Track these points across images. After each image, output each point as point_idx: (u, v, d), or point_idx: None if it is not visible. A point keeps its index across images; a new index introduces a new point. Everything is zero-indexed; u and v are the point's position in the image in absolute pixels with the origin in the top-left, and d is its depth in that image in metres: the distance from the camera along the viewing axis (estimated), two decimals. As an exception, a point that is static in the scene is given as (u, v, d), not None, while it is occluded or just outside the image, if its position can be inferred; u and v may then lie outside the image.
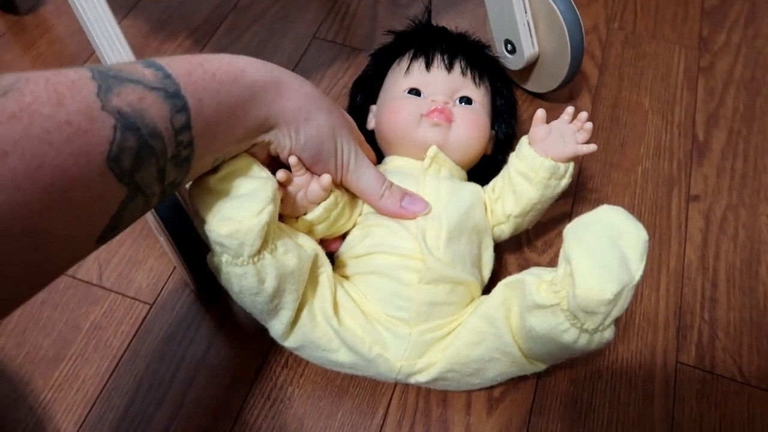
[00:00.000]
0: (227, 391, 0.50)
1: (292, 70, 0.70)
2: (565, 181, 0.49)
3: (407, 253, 0.46)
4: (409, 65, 0.55)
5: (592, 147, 0.49)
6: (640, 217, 0.62)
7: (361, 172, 0.46)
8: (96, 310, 0.54)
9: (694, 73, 0.75)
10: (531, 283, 0.40)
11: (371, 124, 0.57)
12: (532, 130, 0.50)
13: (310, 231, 0.47)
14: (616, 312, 0.37)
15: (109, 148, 0.28)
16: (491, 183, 0.52)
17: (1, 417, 0.48)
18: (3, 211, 0.24)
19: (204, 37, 0.74)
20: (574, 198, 0.63)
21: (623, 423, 0.50)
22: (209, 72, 0.34)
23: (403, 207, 0.47)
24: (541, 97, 0.71)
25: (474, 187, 0.52)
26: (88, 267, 0.56)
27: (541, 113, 0.49)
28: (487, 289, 0.48)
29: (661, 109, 0.71)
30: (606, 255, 0.36)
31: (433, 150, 0.50)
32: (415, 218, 0.47)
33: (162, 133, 0.31)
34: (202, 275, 0.48)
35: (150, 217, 0.47)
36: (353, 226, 0.50)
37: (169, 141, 0.32)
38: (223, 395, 0.50)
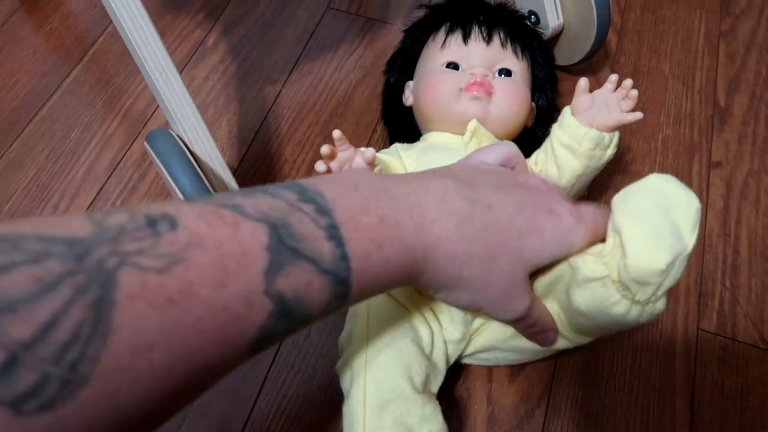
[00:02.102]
0: (233, 402, 0.50)
1: (307, 42, 0.71)
2: (610, 152, 0.48)
3: None
4: (446, 39, 0.54)
5: (638, 115, 0.47)
6: (660, 185, 0.61)
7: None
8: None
9: (715, 37, 0.74)
10: (576, 260, 0.38)
11: (409, 100, 0.56)
12: (575, 99, 0.48)
13: None
14: (669, 282, 0.35)
15: (258, 334, 0.25)
16: (533, 156, 0.52)
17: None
18: (134, 400, 0.21)
19: (218, 8, 0.74)
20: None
21: (644, 389, 0.50)
22: (385, 258, 0.29)
23: None
24: (561, 67, 0.70)
25: None
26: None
27: (584, 82, 0.48)
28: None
29: (682, 75, 0.70)
30: (657, 224, 0.34)
31: (473, 124, 0.49)
32: None
33: (313, 317, 0.28)
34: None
35: (177, 193, 0.47)
36: None
37: (312, 321, 0.28)
38: (228, 408, 0.50)
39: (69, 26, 0.72)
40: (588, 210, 0.36)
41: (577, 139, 0.47)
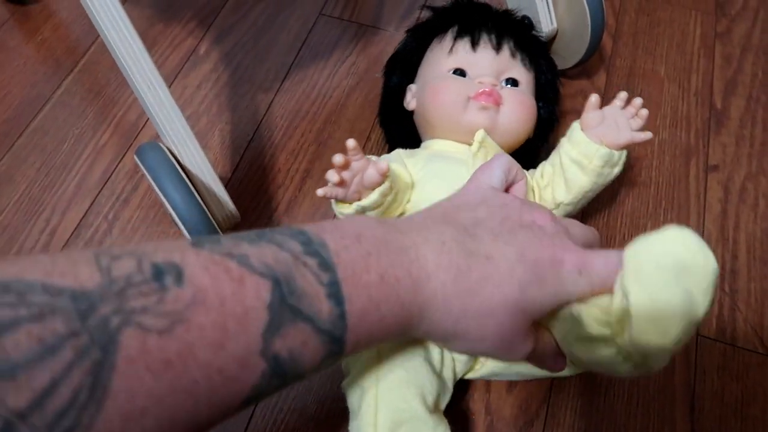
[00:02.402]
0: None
1: (299, 49, 0.70)
2: (617, 169, 0.48)
3: None
4: (454, 44, 0.53)
5: (648, 135, 0.47)
6: (656, 190, 0.61)
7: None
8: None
9: (710, 39, 0.73)
10: (581, 310, 0.35)
11: (411, 104, 0.55)
12: (585, 115, 0.48)
13: (360, 213, 0.45)
14: (676, 349, 0.32)
15: (249, 394, 0.25)
16: (539, 168, 0.51)
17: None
18: None
19: (209, 16, 0.73)
20: (590, 171, 0.62)
21: (644, 397, 0.50)
22: (381, 315, 0.29)
23: None
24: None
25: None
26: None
27: (594, 98, 0.48)
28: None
29: (678, 78, 0.70)
30: (669, 296, 0.31)
31: (481, 134, 0.48)
32: None
33: (305, 374, 0.27)
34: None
35: (168, 207, 0.47)
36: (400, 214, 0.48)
37: (304, 377, 0.28)
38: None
39: (60, 36, 0.71)
40: (595, 260, 0.33)
41: (588, 156, 0.47)
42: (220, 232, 0.47)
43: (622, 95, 0.48)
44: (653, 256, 0.32)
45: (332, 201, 0.46)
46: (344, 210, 0.45)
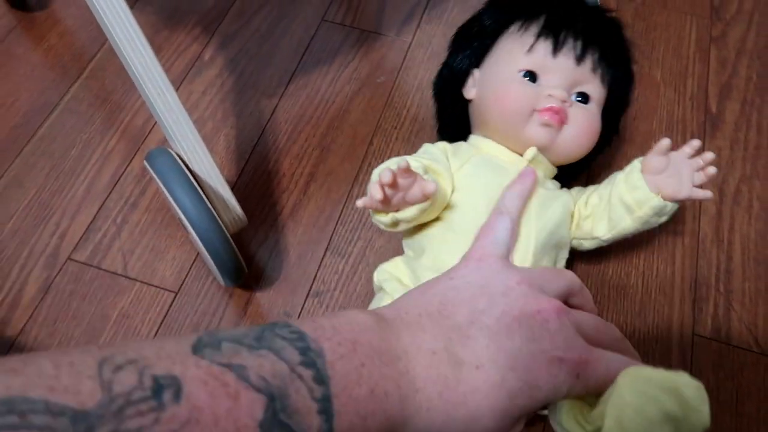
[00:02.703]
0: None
1: (303, 55, 0.71)
2: (664, 218, 0.46)
3: None
4: (535, 42, 0.48)
5: (708, 194, 0.45)
6: (654, 192, 0.62)
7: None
8: (123, 300, 0.55)
9: (706, 43, 0.75)
10: (564, 403, 0.35)
11: (471, 93, 0.51)
12: (650, 158, 0.45)
13: (394, 224, 0.44)
14: None
15: None
16: (585, 194, 0.49)
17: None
18: None
19: (213, 22, 0.74)
20: (587, 174, 0.63)
21: (641, 395, 0.51)
22: (367, 427, 0.29)
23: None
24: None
25: (564, 197, 0.48)
26: (113, 257, 0.57)
27: (666, 143, 0.45)
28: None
29: (673, 82, 0.71)
30: None
31: (532, 152, 0.47)
32: None
33: None
34: (228, 270, 0.49)
35: (177, 211, 0.48)
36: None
37: None
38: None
39: (66, 43, 0.72)
40: (597, 365, 0.32)
41: (640, 203, 0.45)
42: (228, 236, 0.48)
43: (695, 143, 0.46)
44: (642, 398, 0.30)
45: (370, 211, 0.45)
46: (379, 218, 0.44)
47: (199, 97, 0.68)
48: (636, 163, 0.46)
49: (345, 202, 0.60)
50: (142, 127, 0.66)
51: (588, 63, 0.48)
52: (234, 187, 0.61)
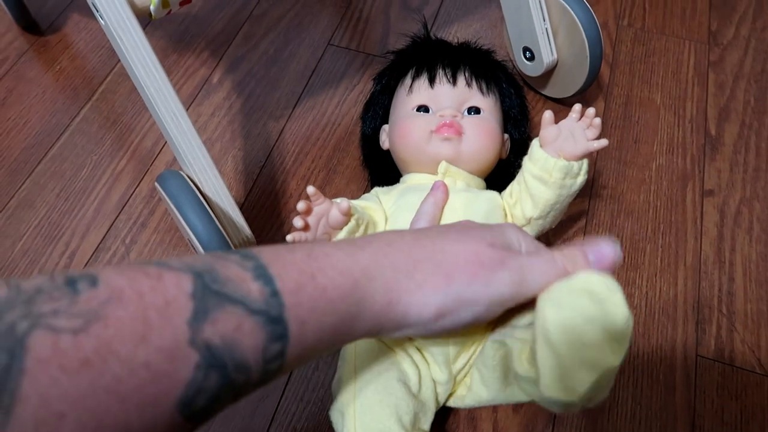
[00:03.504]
0: (260, 394, 0.51)
1: (309, 78, 0.73)
2: (580, 179, 0.50)
3: None
4: (413, 83, 0.56)
5: (603, 142, 0.49)
6: (655, 214, 0.63)
7: (530, 287, 0.34)
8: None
9: (704, 67, 0.76)
10: (515, 349, 0.37)
11: (385, 144, 0.58)
12: (542, 131, 0.50)
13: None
14: (599, 397, 0.33)
15: (185, 392, 0.23)
16: (508, 188, 0.53)
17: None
18: None
19: (221, 46, 0.76)
20: (591, 195, 0.64)
21: (646, 416, 0.51)
22: (320, 286, 0.28)
23: (593, 263, 0.36)
24: (555, 99, 0.72)
25: (489, 194, 0.52)
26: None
27: (548, 115, 0.50)
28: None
29: (673, 105, 0.72)
30: (577, 350, 0.31)
31: (443, 166, 0.51)
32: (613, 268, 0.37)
33: (250, 366, 0.26)
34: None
35: (187, 232, 0.48)
36: None
37: (255, 372, 0.26)
38: (257, 399, 0.51)
39: (77, 66, 0.74)
40: (531, 268, 0.34)
41: (547, 170, 0.48)
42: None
43: (577, 107, 0.50)
44: (560, 310, 0.32)
45: None
46: None
47: (207, 119, 0.69)
48: (534, 141, 0.50)
49: (351, 223, 0.61)
50: (151, 148, 0.67)
51: (462, 82, 0.55)
52: (242, 208, 0.62)
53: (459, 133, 0.52)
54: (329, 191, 0.64)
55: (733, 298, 0.58)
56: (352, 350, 0.45)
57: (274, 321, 0.26)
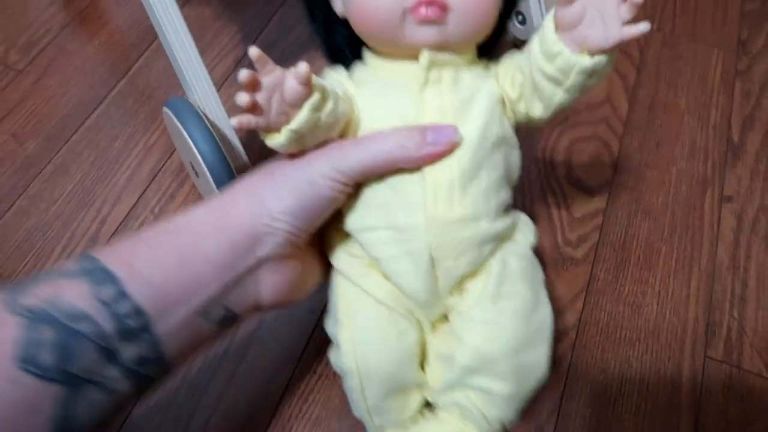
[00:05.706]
0: (277, 363, 0.53)
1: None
2: (606, 70, 0.37)
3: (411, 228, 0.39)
4: None
5: (643, 27, 0.34)
6: (672, 216, 0.64)
7: (365, 164, 0.36)
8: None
9: (731, 75, 0.76)
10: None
11: (338, 8, 0.41)
12: (560, 12, 0.35)
13: (296, 141, 0.37)
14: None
15: (13, 348, 0.25)
16: (506, 70, 0.41)
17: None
18: None
19: (255, 30, 0.78)
20: (609, 196, 0.65)
21: (651, 411, 0.52)
22: (143, 239, 0.30)
23: (432, 144, 0.35)
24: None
25: (487, 86, 0.40)
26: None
27: None
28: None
29: (697, 111, 0.73)
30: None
31: (425, 59, 0.38)
32: (451, 150, 0.35)
33: (87, 311, 0.26)
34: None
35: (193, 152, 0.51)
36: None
37: (101, 317, 0.27)
38: (273, 367, 0.53)
39: (115, 41, 0.76)
40: None
41: (565, 72, 0.36)
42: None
43: None
44: None
45: (260, 133, 0.37)
46: (275, 141, 0.37)
47: (238, 99, 0.71)
48: (547, 23, 0.36)
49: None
50: (182, 124, 0.69)
51: None
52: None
53: (444, 9, 0.37)
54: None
55: (746, 303, 0.59)
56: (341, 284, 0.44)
57: (91, 272, 0.28)
